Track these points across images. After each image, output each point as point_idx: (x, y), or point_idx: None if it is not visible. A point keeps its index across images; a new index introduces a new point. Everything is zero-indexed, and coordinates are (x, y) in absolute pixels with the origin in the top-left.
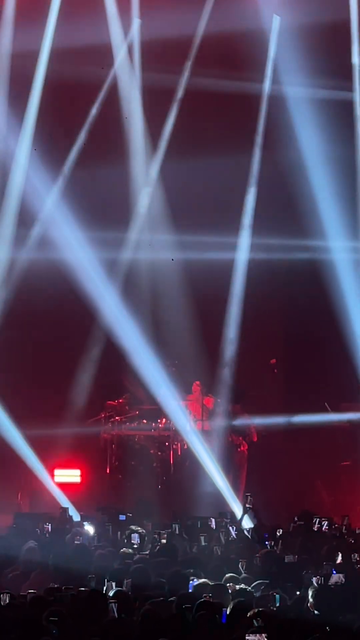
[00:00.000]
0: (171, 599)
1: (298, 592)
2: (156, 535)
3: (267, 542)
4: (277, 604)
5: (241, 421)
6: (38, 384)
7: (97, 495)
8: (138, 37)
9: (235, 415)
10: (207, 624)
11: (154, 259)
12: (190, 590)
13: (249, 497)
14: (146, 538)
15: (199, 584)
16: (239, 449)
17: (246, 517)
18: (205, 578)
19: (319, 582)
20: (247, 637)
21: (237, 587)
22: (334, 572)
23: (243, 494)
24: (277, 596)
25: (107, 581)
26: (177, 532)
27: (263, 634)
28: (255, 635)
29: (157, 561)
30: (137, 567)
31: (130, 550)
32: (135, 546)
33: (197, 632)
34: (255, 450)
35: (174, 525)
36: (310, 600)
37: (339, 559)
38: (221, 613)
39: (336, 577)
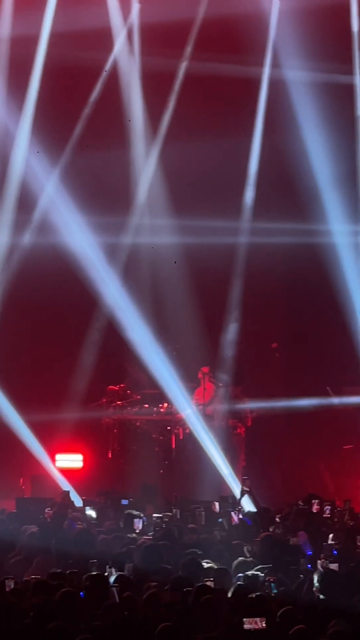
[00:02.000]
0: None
1: (302, 576)
2: (158, 520)
3: (270, 527)
4: (274, 590)
5: (239, 405)
6: (39, 369)
7: (99, 480)
8: (137, 21)
9: (235, 399)
10: (208, 608)
11: (155, 243)
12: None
13: (246, 479)
14: (145, 522)
15: (205, 567)
16: (235, 431)
17: (246, 499)
18: (210, 562)
19: (324, 566)
20: (244, 621)
21: (249, 573)
22: (335, 552)
23: (241, 476)
24: (273, 583)
25: (109, 567)
26: (178, 516)
27: (261, 618)
28: (253, 620)
29: (159, 545)
30: (148, 546)
31: (134, 534)
32: (137, 531)
33: (198, 615)
34: (258, 433)
35: (174, 510)
36: (316, 584)
37: (330, 540)
38: (221, 597)
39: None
